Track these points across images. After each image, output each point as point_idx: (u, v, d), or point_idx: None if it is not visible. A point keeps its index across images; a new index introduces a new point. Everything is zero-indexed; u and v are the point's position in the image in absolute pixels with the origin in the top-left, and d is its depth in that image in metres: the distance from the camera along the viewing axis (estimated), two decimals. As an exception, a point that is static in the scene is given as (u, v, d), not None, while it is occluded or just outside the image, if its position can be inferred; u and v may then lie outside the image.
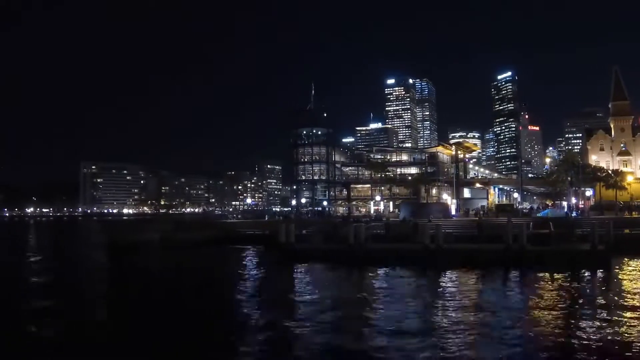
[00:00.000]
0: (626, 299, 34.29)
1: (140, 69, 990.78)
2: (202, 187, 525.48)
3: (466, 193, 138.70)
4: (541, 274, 45.29)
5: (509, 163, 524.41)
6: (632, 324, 27.25)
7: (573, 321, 28.20)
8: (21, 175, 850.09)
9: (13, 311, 32.96)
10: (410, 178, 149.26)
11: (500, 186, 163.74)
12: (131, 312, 33.13)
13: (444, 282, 43.65)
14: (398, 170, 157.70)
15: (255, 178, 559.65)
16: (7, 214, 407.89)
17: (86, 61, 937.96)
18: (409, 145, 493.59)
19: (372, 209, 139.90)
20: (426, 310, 32.09)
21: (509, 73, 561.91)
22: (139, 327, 29.07)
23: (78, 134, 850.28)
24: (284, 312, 31.98)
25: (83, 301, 38.66)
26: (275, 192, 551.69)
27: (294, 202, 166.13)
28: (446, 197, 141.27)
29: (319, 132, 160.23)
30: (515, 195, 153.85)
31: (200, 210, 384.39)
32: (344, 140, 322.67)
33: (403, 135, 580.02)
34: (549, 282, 42.39)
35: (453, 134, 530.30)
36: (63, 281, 48.22)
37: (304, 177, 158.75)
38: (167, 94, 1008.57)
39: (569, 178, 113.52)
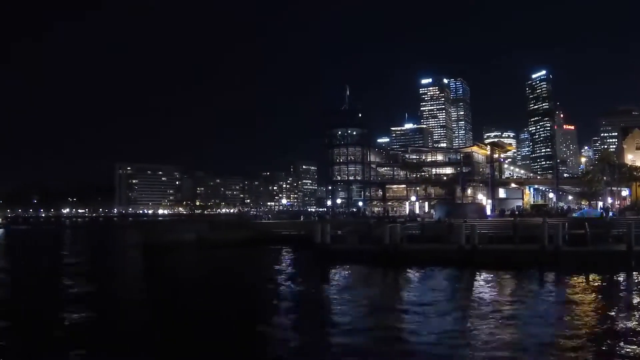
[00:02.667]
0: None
1: (176, 71, 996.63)
2: (238, 187, 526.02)
3: (501, 193, 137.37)
4: (577, 276, 44.73)
5: (544, 163, 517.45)
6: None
7: (610, 324, 27.71)
8: (57, 176, 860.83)
9: (47, 318, 32.98)
10: (445, 178, 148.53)
11: (536, 186, 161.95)
12: (165, 312, 33.48)
13: (479, 284, 43.33)
14: (433, 170, 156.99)
15: (290, 179, 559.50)
16: (43, 215, 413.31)
17: (123, 62, 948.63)
18: (444, 145, 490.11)
19: (407, 209, 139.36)
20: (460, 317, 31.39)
21: (544, 72, 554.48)
22: (171, 326, 29.35)
23: (114, 136, 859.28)
24: (317, 315, 32.02)
25: (120, 300, 39.25)
26: (311, 193, 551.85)
27: (329, 202, 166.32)
28: (481, 197, 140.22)
29: (354, 133, 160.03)
30: (551, 195, 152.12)
31: (235, 211, 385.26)
32: (379, 140, 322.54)
33: (438, 135, 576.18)
34: (585, 284, 41.82)
35: (488, 134, 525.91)
36: (100, 283, 48.45)
37: (339, 178, 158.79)
38: (201, 95, 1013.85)
39: (604, 178, 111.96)
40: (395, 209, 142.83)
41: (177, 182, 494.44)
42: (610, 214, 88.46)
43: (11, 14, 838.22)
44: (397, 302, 35.92)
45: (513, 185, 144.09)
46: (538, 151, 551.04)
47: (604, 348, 23.25)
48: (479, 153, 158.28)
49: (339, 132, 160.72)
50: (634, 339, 24.60)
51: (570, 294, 38.01)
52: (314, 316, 31.64)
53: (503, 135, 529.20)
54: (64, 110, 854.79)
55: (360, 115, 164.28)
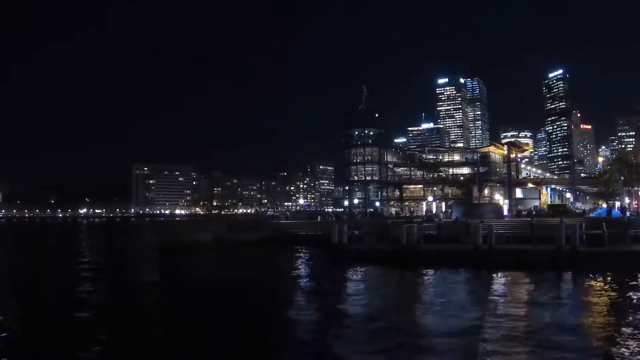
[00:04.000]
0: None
1: (192, 71, 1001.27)
2: (255, 188, 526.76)
3: (518, 193, 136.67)
4: (594, 276, 44.50)
5: (561, 162, 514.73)
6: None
7: (626, 328, 27.59)
8: (75, 177, 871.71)
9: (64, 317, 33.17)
10: (462, 178, 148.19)
11: (553, 186, 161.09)
12: (182, 313, 33.50)
13: (495, 285, 43.25)
14: (450, 170, 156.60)
15: (307, 179, 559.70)
16: (60, 215, 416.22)
17: (140, 64, 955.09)
18: (461, 145, 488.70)
19: (424, 209, 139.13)
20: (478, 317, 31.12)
21: (560, 71, 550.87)
22: (188, 327, 29.36)
23: (130, 136, 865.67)
24: (333, 315, 32.12)
25: (137, 300, 39.46)
26: (328, 193, 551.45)
27: (346, 202, 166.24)
28: (498, 198, 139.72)
29: (371, 133, 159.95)
30: (568, 195, 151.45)
31: (252, 211, 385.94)
32: (396, 140, 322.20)
33: (455, 135, 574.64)
34: (602, 285, 41.61)
35: (505, 134, 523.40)
36: (115, 284, 48.89)
37: (356, 178, 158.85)
38: (219, 95, 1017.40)
39: (621, 177, 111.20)
40: (412, 209, 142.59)
41: (194, 183, 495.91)
42: (628, 214, 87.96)
43: (43, 16, 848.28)
44: (416, 301, 35.94)
45: (530, 185, 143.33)
46: (555, 151, 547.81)
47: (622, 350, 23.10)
48: (496, 153, 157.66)
49: (356, 132, 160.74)
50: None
51: (587, 295, 37.88)
52: (333, 316, 31.62)
53: (520, 135, 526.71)
54: (82, 111, 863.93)
55: (377, 115, 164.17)
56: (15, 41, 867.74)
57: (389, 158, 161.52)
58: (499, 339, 25.19)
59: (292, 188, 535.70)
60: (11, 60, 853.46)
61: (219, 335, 27.31)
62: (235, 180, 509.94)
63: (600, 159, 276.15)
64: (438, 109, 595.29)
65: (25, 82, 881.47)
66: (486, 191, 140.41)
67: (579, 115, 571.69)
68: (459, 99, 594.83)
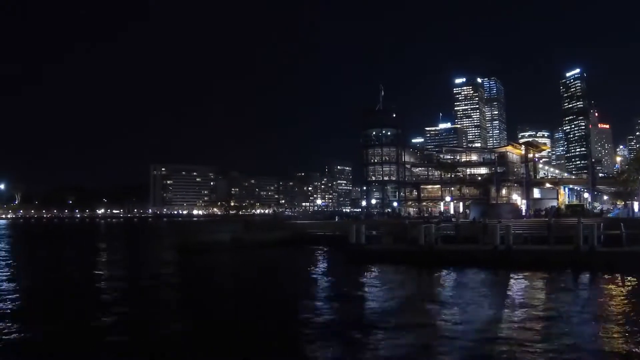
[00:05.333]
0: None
1: (209, 72, 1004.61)
2: (272, 188, 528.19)
3: (536, 193, 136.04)
4: (612, 277, 44.18)
5: (579, 162, 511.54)
6: None
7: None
8: (92, 177, 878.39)
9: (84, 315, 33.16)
10: (479, 178, 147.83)
11: (571, 186, 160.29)
12: (202, 314, 33.52)
13: (514, 285, 43.07)
14: (467, 170, 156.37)
15: (325, 179, 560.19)
16: (78, 215, 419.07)
17: (159, 63, 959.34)
18: (478, 145, 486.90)
19: (442, 209, 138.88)
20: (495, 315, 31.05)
21: (578, 70, 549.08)
22: (207, 329, 29.29)
23: (148, 137, 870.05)
24: (351, 315, 32.14)
25: (155, 300, 39.59)
26: (346, 193, 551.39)
27: (364, 203, 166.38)
28: (516, 198, 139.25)
29: (389, 133, 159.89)
30: (586, 195, 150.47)
31: (270, 212, 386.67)
32: (413, 140, 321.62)
33: (472, 135, 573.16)
34: (620, 286, 41.28)
35: (522, 134, 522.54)
36: (134, 282, 49.02)
37: (374, 178, 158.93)
38: (236, 95, 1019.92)
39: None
40: (430, 209, 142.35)
41: (211, 183, 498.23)
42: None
43: (70, 18, 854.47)
44: (436, 301, 35.90)
45: (548, 185, 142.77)
46: (573, 150, 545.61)
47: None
48: (514, 153, 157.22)
49: (374, 133, 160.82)
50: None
51: (605, 295, 37.67)
52: (354, 315, 31.68)
53: (537, 135, 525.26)
54: (100, 112, 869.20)
55: (394, 115, 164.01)
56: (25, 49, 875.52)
57: (407, 158, 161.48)
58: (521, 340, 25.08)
59: (309, 188, 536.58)
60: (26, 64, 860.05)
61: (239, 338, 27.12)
62: (252, 181, 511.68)
63: (618, 159, 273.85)
64: (455, 108, 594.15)
65: (42, 84, 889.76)
66: (504, 191, 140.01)
67: (596, 114, 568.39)
68: (477, 98, 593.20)
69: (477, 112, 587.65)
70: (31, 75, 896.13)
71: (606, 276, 44.66)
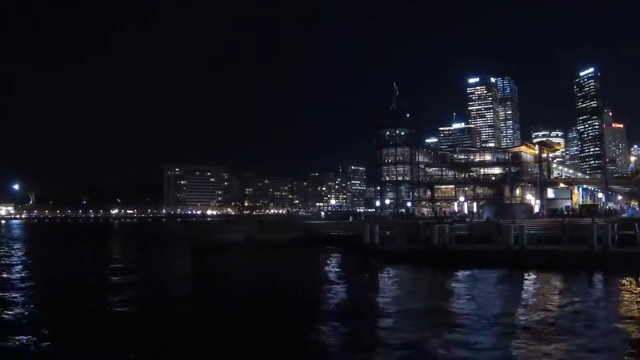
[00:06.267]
0: None
1: (222, 72, 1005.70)
2: (286, 188, 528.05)
3: (550, 193, 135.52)
4: (626, 278, 43.82)
5: (592, 162, 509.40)
6: None
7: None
8: (106, 177, 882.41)
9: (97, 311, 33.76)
10: (493, 178, 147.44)
11: (584, 186, 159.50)
12: (215, 314, 33.76)
13: (529, 286, 42.96)
14: (481, 170, 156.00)
15: (339, 179, 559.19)
16: (92, 215, 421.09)
17: (173, 64, 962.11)
18: (492, 145, 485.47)
19: (456, 209, 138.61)
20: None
21: (591, 69, 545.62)
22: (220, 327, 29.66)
23: (162, 137, 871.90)
24: (372, 314, 32.04)
25: (168, 299, 39.70)
26: (359, 193, 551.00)
27: (378, 203, 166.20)
28: (530, 198, 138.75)
29: (402, 133, 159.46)
30: (600, 195, 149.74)
31: (284, 212, 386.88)
32: (427, 140, 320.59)
33: (486, 135, 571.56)
34: (635, 287, 41.06)
35: (536, 133, 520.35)
36: (148, 281, 49.59)
37: (387, 178, 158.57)
38: (250, 96, 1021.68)
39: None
40: (443, 209, 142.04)
41: (225, 183, 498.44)
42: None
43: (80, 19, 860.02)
44: (452, 302, 35.85)
45: (562, 185, 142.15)
46: (587, 150, 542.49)
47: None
48: (527, 153, 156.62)
49: (387, 133, 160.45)
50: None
51: (621, 296, 37.49)
52: (370, 316, 31.70)
53: (551, 135, 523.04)
54: (114, 112, 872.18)
55: (408, 115, 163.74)
56: (53, 47, 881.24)
57: (421, 158, 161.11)
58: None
59: (323, 188, 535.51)
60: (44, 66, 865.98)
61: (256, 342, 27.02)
62: (266, 181, 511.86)
63: (633, 158, 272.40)
64: (469, 108, 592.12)
65: (58, 83, 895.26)
66: (517, 191, 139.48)
67: (610, 114, 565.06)
68: (490, 98, 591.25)
69: (490, 112, 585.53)
70: (48, 75, 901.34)
71: (620, 277, 44.22)
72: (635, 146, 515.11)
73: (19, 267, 60.98)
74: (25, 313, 33.10)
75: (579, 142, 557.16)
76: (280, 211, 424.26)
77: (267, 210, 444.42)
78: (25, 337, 26.41)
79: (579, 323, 28.49)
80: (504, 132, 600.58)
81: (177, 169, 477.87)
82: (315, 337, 26.08)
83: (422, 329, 27.13)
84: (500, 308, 33.04)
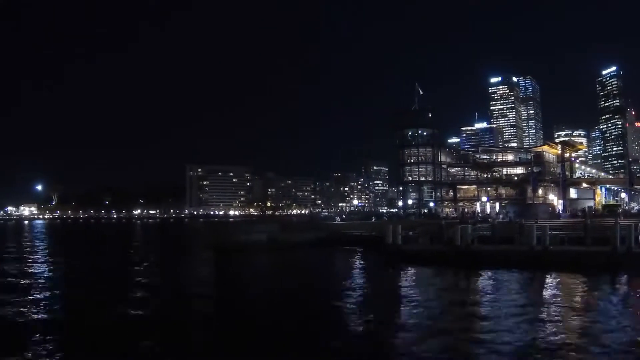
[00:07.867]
0: None
1: (246, 73, 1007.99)
2: (309, 188, 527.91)
3: (572, 193, 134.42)
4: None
5: (615, 161, 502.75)
6: None
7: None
8: (128, 178, 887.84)
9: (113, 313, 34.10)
10: (516, 178, 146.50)
11: (607, 186, 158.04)
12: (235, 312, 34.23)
13: (551, 287, 42.81)
14: (504, 170, 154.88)
15: (361, 179, 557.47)
16: (114, 216, 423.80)
17: (196, 65, 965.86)
18: (514, 144, 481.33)
19: (478, 209, 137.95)
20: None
21: (614, 68, 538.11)
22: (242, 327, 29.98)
23: (185, 138, 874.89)
24: (396, 315, 32.27)
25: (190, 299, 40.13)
26: (382, 193, 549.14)
27: (400, 203, 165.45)
28: (552, 198, 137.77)
29: (424, 133, 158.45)
30: (623, 195, 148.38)
31: (306, 212, 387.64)
32: (449, 140, 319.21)
33: (508, 135, 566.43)
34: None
35: (558, 133, 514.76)
36: (170, 281, 50.13)
37: (410, 178, 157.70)
38: (273, 97, 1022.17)
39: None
40: (466, 209, 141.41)
41: (247, 184, 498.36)
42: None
43: (101, 22, 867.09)
44: (476, 303, 35.95)
45: (584, 185, 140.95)
46: (609, 150, 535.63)
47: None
48: (550, 152, 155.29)
49: (409, 133, 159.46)
50: None
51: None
52: (393, 316, 31.86)
53: (574, 134, 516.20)
54: (137, 113, 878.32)
55: (430, 115, 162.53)
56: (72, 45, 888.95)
57: (443, 158, 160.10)
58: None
59: (346, 189, 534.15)
60: (65, 62, 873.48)
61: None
62: (289, 181, 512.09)
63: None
64: (491, 108, 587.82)
65: (80, 83, 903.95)
66: (540, 191, 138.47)
67: (633, 113, 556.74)
68: (512, 98, 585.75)
69: (512, 112, 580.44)
70: (69, 76, 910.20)
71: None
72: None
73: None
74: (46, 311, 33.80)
75: (602, 142, 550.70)
76: (303, 211, 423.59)
77: (290, 211, 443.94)
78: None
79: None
80: (526, 131, 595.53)
81: (199, 170, 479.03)
82: (337, 346, 26.03)
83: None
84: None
